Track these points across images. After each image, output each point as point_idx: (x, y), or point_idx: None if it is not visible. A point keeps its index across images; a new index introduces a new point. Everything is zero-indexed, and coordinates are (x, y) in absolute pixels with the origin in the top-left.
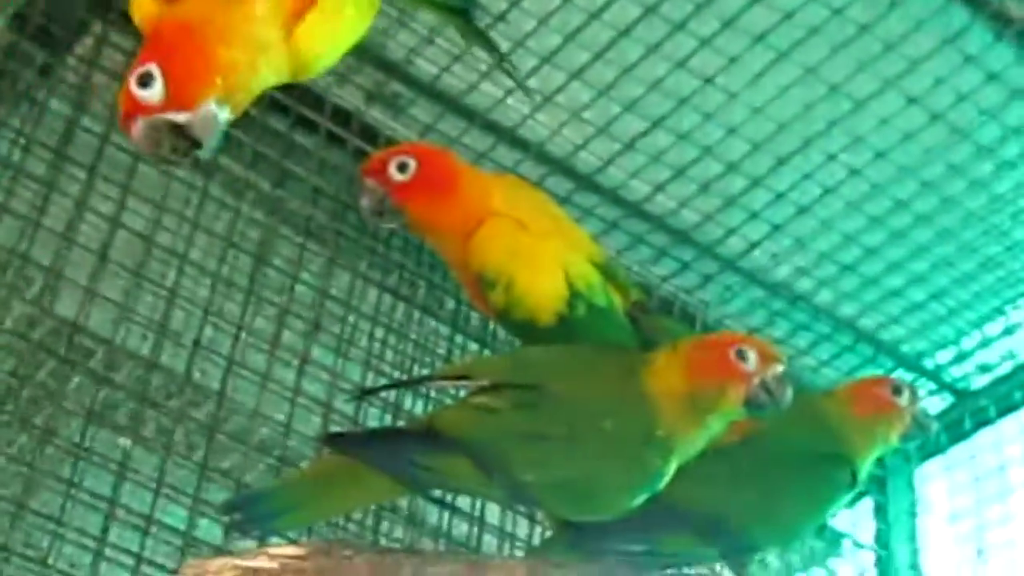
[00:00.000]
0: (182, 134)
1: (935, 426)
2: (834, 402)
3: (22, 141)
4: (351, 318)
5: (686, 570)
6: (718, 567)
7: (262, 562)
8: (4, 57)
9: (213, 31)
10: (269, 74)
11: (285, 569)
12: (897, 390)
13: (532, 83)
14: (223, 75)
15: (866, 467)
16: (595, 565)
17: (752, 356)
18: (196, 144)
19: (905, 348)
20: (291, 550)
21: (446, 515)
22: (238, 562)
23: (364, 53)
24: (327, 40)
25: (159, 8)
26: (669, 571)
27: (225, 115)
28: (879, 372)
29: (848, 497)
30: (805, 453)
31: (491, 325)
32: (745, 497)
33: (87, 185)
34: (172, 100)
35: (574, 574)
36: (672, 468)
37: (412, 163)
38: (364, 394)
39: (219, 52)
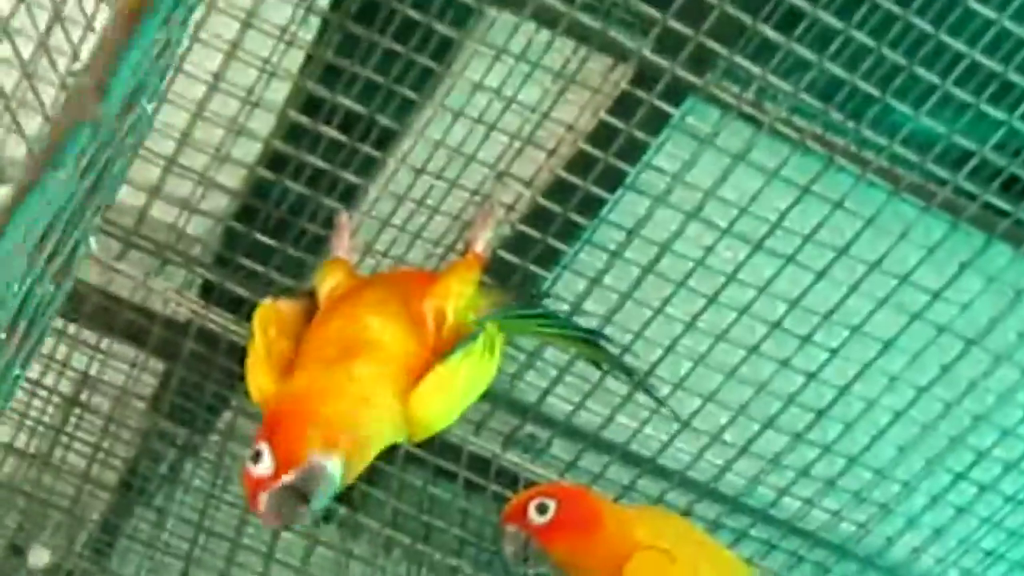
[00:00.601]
0: (299, 496)
1: None
2: None
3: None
4: None
5: None
6: None
7: None
8: (145, 439)
9: (315, 394)
10: (379, 427)
11: None
12: None
13: (665, 411)
14: (321, 428)
15: None
16: None
17: None
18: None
19: None
20: None
21: None
22: None
23: (497, 398)
24: (443, 401)
25: (275, 386)
26: None
27: (334, 463)
28: None
29: None
30: None
31: None
32: None
33: (230, 555)
34: (280, 466)
35: None
36: None
37: (552, 504)
38: None
39: (317, 410)
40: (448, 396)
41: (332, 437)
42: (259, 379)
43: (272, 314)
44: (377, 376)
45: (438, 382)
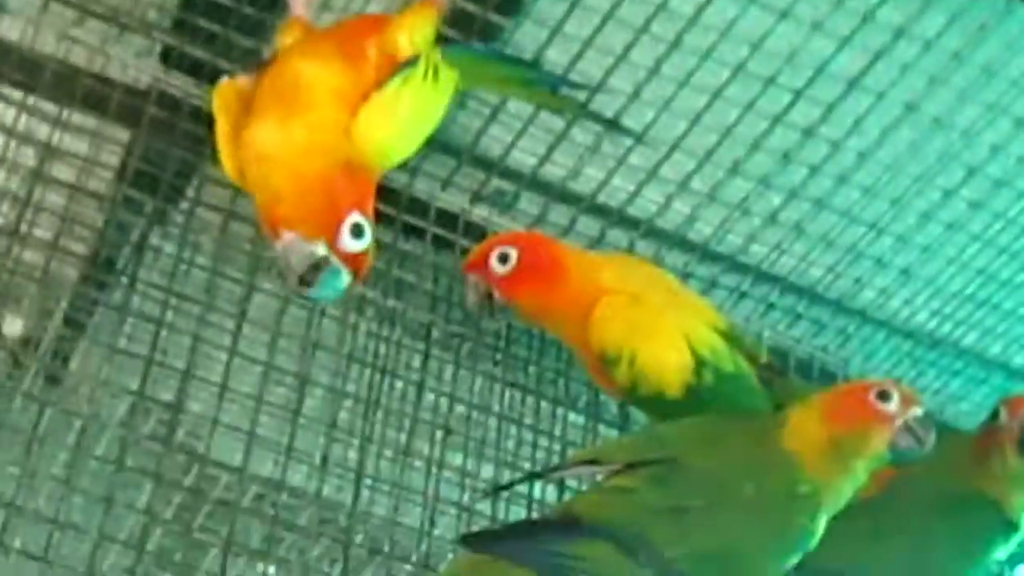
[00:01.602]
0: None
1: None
2: (967, 443)
3: (140, 287)
4: (482, 419)
5: None
6: None
7: None
8: (112, 208)
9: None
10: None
11: None
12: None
13: (633, 160)
14: None
15: (1020, 505)
16: None
17: (895, 397)
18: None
19: None
20: None
21: None
22: None
23: (462, 152)
24: (387, 127)
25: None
26: None
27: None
28: None
29: (1007, 541)
30: (945, 499)
31: (627, 411)
32: (892, 550)
33: (200, 320)
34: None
35: None
36: (821, 525)
37: (513, 253)
38: (496, 490)
39: None
40: (392, 122)
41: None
42: (228, 161)
43: (231, 92)
44: (315, 124)
45: (378, 108)
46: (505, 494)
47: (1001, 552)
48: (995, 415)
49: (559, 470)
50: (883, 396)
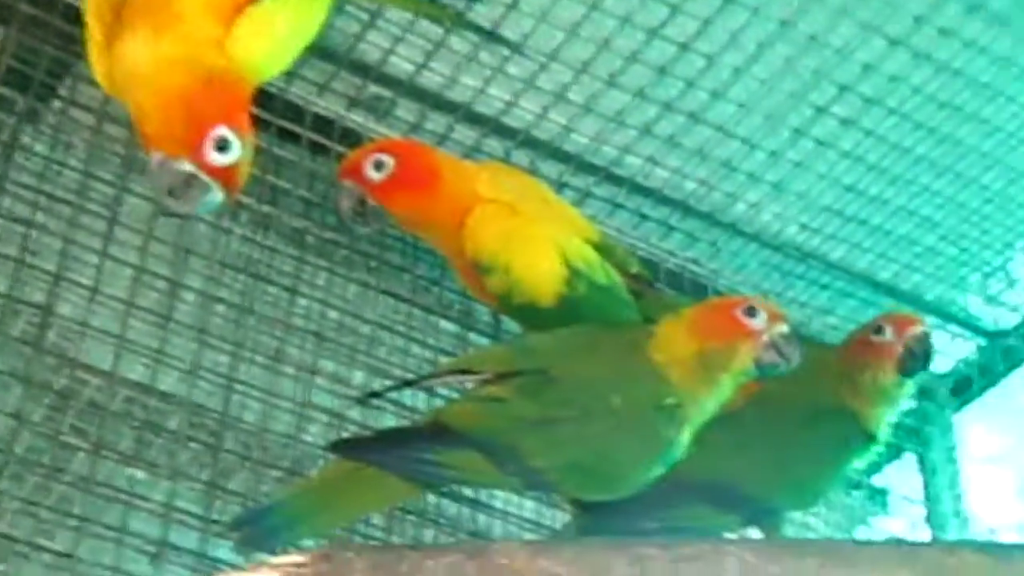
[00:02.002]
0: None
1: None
2: (831, 356)
3: (10, 188)
4: (355, 326)
5: None
6: None
7: (264, 573)
8: None
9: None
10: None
11: None
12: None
13: (511, 70)
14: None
15: (877, 419)
16: (600, 543)
17: (762, 313)
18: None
19: (927, 295)
20: (292, 559)
21: (464, 509)
22: None
23: (339, 59)
24: (264, 42)
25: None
26: None
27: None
28: None
29: (865, 452)
30: (808, 410)
31: (500, 320)
32: (756, 461)
33: (72, 222)
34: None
35: (577, 553)
36: (686, 437)
37: (389, 160)
38: (368, 397)
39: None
40: (269, 35)
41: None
42: (101, 72)
43: None
44: (186, 36)
45: (255, 21)
46: (376, 401)
47: (860, 462)
48: (878, 330)
49: (430, 378)
50: (750, 312)
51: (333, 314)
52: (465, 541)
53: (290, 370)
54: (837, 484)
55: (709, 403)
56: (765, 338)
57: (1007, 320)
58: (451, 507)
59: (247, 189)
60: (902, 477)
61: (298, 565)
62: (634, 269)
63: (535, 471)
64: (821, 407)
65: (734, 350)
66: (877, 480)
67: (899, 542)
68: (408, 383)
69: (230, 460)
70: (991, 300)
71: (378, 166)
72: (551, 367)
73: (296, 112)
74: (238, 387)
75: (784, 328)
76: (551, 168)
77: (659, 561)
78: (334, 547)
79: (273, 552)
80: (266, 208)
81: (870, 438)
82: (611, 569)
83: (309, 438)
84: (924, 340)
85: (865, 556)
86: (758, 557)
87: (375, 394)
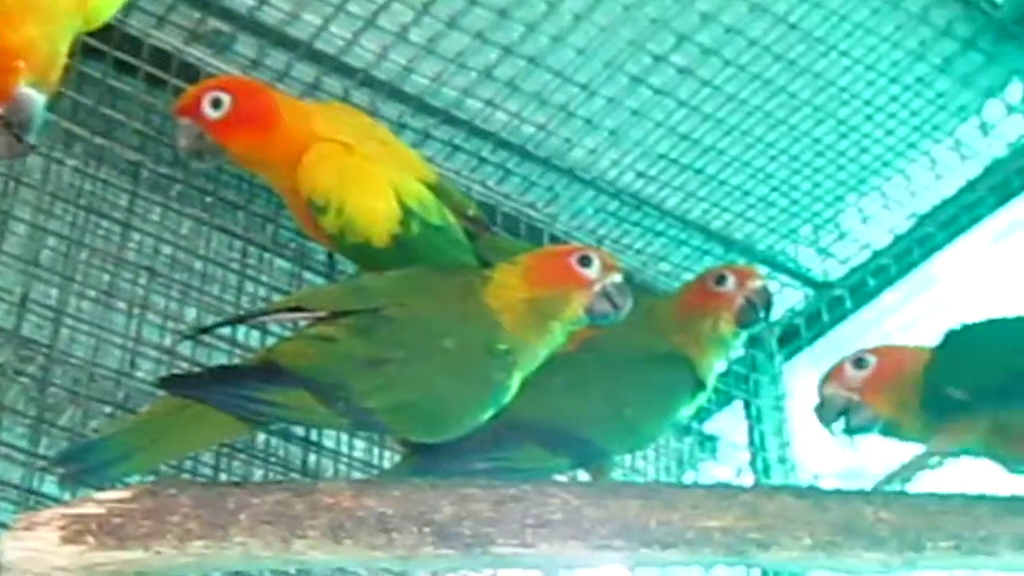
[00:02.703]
0: (9, 126)
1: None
2: (666, 304)
3: None
4: (189, 262)
5: None
6: None
7: (89, 508)
8: None
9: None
10: (67, 36)
11: (112, 513)
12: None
13: (352, 8)
14: (23, 57)
15: (709, 366)
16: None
17: (596, 263)
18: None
19: (759, 245)
20: (117, 494)
21: (294, 448)
22: (65, 511)
23: None
24: None
25: None
26: None
27: (40, 94)
28: None
29: (695, 398)
30: (642, 356)
31: (335, 259)
32: (587, 404)
33: None
34: None
35: (403, 493)
36: (516, 381)
37: (226, 98)
38: (199, 333)
39: (11, 37)
40: None
41: (36, 66)
42: None
43: None
44: None
45: None
46: (208, 339)
47: (689, 409)
48: (720, 280)
49: (262, 315)
50: (584, 261)
51: (167, 249)
52: (295, 480)
53: (121, 305)
54: (667, 429)
55: (540, 349)
56: (597, 287)
57: (836, 271)
58: (282, 447)
59: (81, 120)
60: (730, 423)
61: (123, 501)
62: (471, 211)
63: (365, 411)
64: (655, 352)
65: (566, 298)
66: (707, 427)
67: (721, 486)
68: (239, 319)
69: (59, 395)
70: (821, 252)
71: (215, 104)
72: (384, 307)
73: (134, 44)
74: (67, 321)
75: (617, 278)
76: (391, 109)
77: (483, 502)
78: (159, 483)
79: (99, 488)
80: (100, 140)
81: (700, 385)
82: (437, 509)
83: (140, 374)
84: (764, 293)
85: (686, 499)
86: (581, 499)
87: (205, 329)
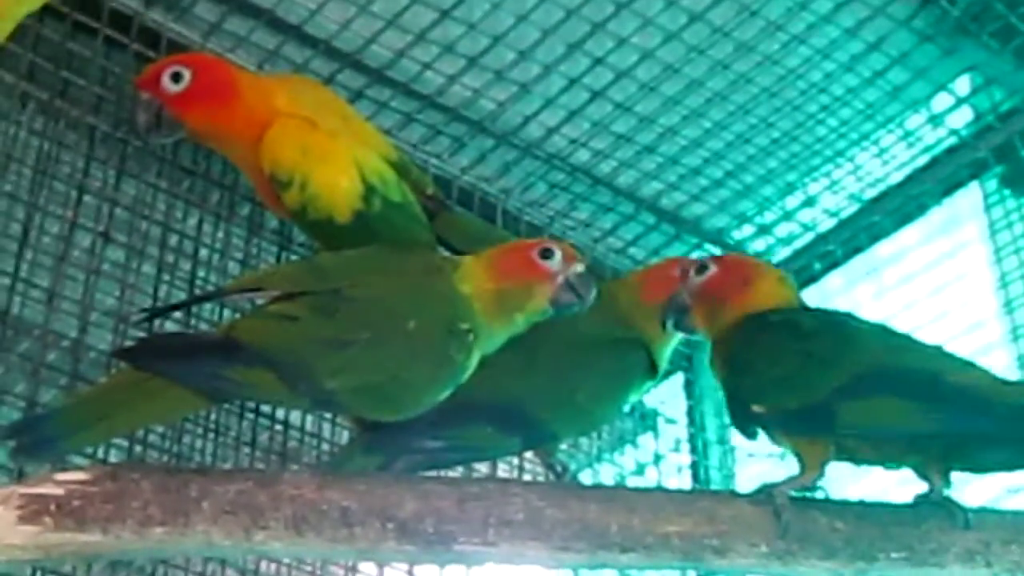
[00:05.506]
0: None
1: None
2: (626, 288)
3: None
4: (143, 227)
5: None
6: None
7: (48, 488)
8: None
9: None
10: None
11: (71, 495)
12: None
13: None
14: None
15: (664, 350)
16: (389, 478)
17: (557, 255)
18: None
19: (707, 225)
20: (77, 475)
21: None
22: (23, 490)
23: None
24: None
25: None
26: None
27: None
28: (683, 249)
29: (648, 381)
30: (598, 339)
31: (289, 228)
32: (540, 386)
33: None
34: None
35: (367, 487)
36: (474, 361)
37: (186, 73)
38: (156, 314)
39: None
40: None
41: None
42: None
43: None
44: None
45: None
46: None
47: (641, 393)
48: (703, 268)
49: (220, 295)
50: (545, 254)
51: (121, 213)
52: (251, 465)
53: (79, 274)
54: (618, 413)
55: (500, 335)
56: (560, 279)
57: (781, 253)
58: (231, 417)
59: (39, 81)
60: (670, 400)
61: (83, 483)
62: (429, 190)
63: (327, 392)
64: (612, 336)
65: (529, 291)
66: (646, 401)
67: (680, 492)
68: (196, 299)
69: (12, 363)
70: (768, 233)
71: (176, 78)
72: (345, 287)
73: (93, 6)
74: (20, 287)
75: (579, 268)
76: (350, 79)
77: (447, 499)
78: (120, 467)
79: (50, 461)
80: (57, 102)
81: (654, 369)
82: (400, 505)
83: (95, 343)
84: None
85: (646, 503)
86: (543, 500)
87: (161, 311)
